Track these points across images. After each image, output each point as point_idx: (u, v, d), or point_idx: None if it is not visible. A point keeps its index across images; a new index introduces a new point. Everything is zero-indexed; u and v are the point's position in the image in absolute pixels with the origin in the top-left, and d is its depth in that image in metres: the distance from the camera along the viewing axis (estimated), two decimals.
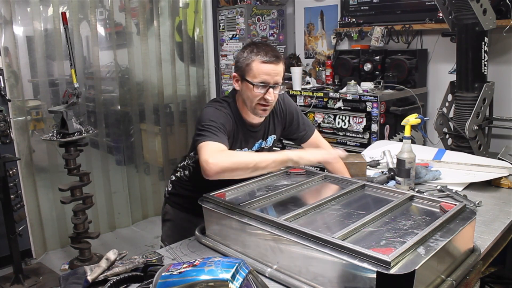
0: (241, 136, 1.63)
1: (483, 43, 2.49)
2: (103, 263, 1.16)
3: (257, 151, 1.71)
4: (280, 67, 1.53)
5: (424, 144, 2.96)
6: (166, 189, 1.87)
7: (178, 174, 1.80)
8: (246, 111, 1.61)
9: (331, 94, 3.18)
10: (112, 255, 1.17)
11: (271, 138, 1.76)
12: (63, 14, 2.76)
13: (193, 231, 1.48)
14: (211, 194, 1.43)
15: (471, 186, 1.88)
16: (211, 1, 4.19)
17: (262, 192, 1.53)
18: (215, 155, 1.34)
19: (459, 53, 2.59)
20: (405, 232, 1.16)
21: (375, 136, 2.98)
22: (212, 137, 1.42)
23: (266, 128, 1.71)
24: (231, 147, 1.59)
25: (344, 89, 3.16)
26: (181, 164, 1.79)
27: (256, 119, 1.64)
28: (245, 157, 1.35)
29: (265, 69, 1.50)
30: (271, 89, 1.52)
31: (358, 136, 3.08)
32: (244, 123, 1.63)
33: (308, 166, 1.50)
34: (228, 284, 0.90)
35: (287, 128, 1.80)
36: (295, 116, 1.79)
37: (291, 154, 1.37)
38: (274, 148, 1.83)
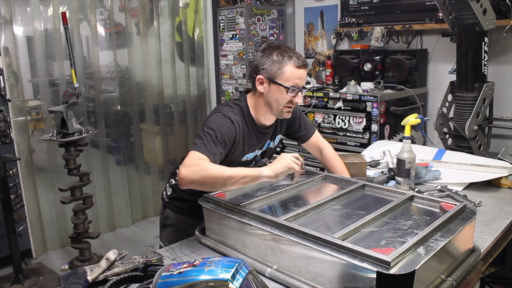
0: (254, 139, 1.64)
1: (483, 43, 2.49)
2: (103, 263, 1.16)
3: (265, 151, 1.74)
4: (306, 71, 1.59)
5: (424, 144, 2.96)
6: (165, 194, 1.83)
7: None
8: (261, 114, 1.62)
9: (331, 94, 3.18)
10: (112, 255, 1.17)
11: (277, 138, 1.79)
12: (63, 14, 2.76)
13: None
14: (211, 194, 1.43)
15: (471, 186, 1.88)
16: (211, 1, 4.19)
17: (262, 192, 1.53)
18: (189, 167, 1.36)
19: (459, 53, 2.59)
20: (405, 232, 1.16)
21: (375, 136, 2.98)
22: (201, 148, 1.43)
23: (274, 129, 1.74)
24: (244, 151, 1.61)
25: (344, 89, 3.16)
26: None
27: (268, 121, 1.67)
28: (216, 172, 1.35)
29: (298, 74, 1.53)
30: (299, 92, 1.56)
31: (358, 136, 3.08)
32: (256, 125, 1.64)
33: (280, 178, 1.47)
34: (228, 284, 0.90)
35: (289, 128, 1.84)
36: (298, 116, 1.83)
37: (263, 170, 1.37)
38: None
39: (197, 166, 1.37)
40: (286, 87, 1.52)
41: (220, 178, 1.34)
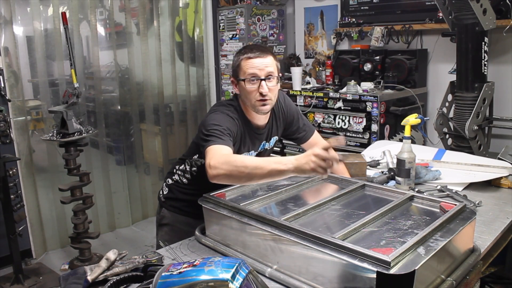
0: (248, 139, 1.64)
1: (483, 43, 2.49)
2: (103, 263, 1.16)
3: (260, 152, 1.73)
4: (267, 59, 1.56)
5: (424, 144, 2.96)
6: (161, 193, 1.83)
7: (175, 177, 1.78)
8: (251, 113, 1.63)
9: (331, 94, 3.18)
10: (112, 255, 1.17)
11: (273, 139, 1.78)
12: (63, 14, 2.76)
13: (192, 234, 1.48)
14: (211, 194, 1.43)
15: (471, 186, 1.87)
16: (211, 1, 4.19)
17: (262, 192, 1.53)
18: (216, 159, 1.36)
19: (459, 53, 2.59)
20: (405, 232, 1.16)
21: (375, 136, 2.98)
22: (217, 141, 1.43)
23: (269, 130, 1.73)
24: (239, 151, 1.61)
25: (344, 89, 3.16)
26: (181, 167, 1.77)
27: (261, 120, 1.66)
28: (240, 166, 1.31)
29: (251, 64, 1.54)
30: (263, 82, 1.54)
31: (358, 136, 3.08)
32: (250, 125, 1.65)
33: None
34: (228, 284, 0.90)
35: (287, 129, 1.82)
36: (296, 117, 1.81)
37: (289, 167, 1.27)
38: (274, 148, 1.84)
39: (224, 158, 1.36)
40: (242, 80, 1.55)
41: (243, 173, 1.30)
